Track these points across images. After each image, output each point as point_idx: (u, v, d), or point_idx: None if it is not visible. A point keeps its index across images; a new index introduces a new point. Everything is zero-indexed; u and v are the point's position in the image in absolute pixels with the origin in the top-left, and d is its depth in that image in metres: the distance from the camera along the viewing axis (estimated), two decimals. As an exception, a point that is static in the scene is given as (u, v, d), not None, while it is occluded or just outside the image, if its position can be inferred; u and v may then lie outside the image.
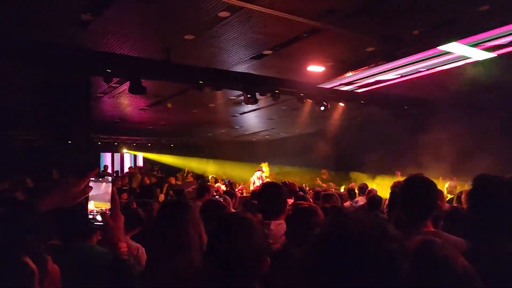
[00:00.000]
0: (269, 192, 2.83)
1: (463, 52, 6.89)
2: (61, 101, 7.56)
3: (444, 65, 7.37)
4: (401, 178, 8.11)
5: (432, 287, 1.09)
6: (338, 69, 7.85)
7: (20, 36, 6.05)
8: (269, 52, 7.04)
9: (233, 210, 4.18)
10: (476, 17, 5.72)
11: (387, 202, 4.46)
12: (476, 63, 7.30)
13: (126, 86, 8.09)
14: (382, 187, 8.63)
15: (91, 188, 1.27)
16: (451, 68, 7.44)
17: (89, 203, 1.30)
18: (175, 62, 7.16)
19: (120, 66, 7.12)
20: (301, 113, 11.20)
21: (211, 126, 14.85)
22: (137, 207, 5.21)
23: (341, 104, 10.33)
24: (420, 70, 7.60)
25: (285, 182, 4.39)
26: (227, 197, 4.76)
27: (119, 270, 1.26)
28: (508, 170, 4.54)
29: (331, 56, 7.32)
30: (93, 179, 1.30)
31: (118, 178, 11.89)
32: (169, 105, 10.50)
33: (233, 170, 15.52)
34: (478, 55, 7.07)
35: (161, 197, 10.53)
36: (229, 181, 13.22)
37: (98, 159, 16.48)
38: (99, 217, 1.31)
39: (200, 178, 14.02)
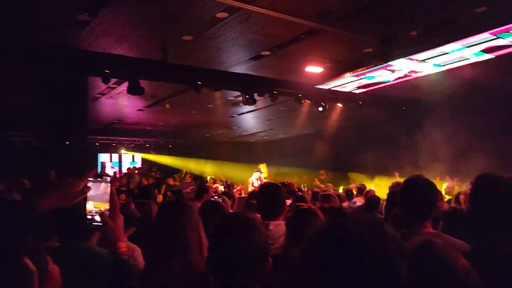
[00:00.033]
0: (267, 192, 2.83)
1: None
2: (59, 101, 7.54)
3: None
4: (399, 179, 8.16)
5: None
6: (336, 70, 7.86)
7: (18, 36, 6.03)
8: (267, 53, 7.05)
9: (231, 211, 4.18)
10: (473, 18, 5.74)
11: (385, 202, 4.46)
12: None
13: (124, 87, 8.07)
14: (381, 187, 8.66)
15: (89, 188, 1.27)
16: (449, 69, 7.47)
17: (88, 203, 1.29)
18: (173, 62, 7.16)
19: (118, 67, 7.10)
20: (299, 114, 11.22)
21: (209, 127, 14.84)
22: (134, 208, 5.20)
23: (339, 105, 10.35)
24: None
25: (283, 182, 4.39)
26: (226, 198, 4.76)
27: (119, 270, 1.26)
28: (505, 170, 4.57)
29: (329, 57, 7.33)
30: (91, 179, 1.30)
31: (116, 179, 11.87)
32: (167, 106, 10.49)
33: (231, 171, 15.52)
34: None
35: (159, 198, 10.53)
36: (226, 182, 13.22)
37: (96, 160, 16.46)
38: (97, 218, 1.30)
39: (198, 179, 14.02)
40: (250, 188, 11.13)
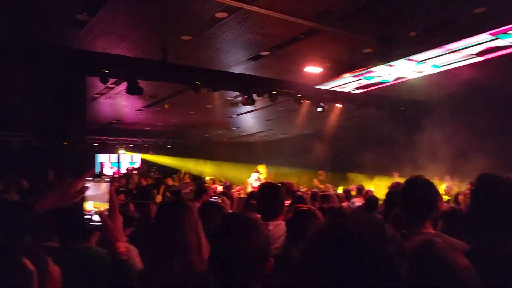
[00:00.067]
0: (266, 193, 2.83)
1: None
2: (57, 101, 7.52)
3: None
4: (398, 179, 8.16)
5: None
6: (336, 70, 7.86)
7: (16, 36, 6.02)
8: (267, 53, 7.05)
9: (230, 211, 4.18)
10: (472, 19, 5.75)
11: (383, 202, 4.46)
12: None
13: (123, 87, 8.07)
14: (380, 188, 8.66)
15: (87, 188, 1.27)
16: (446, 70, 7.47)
17: (88, 203, 1.29)
18: (172, 62, 7.15)
19: (117, 67, 7.10)
20: (298, 114, 11.22)
21: (208, 127, 14.84)
22: (134, 208, 5.20)
23: (338, 105, 10.35)
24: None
25: (282, 182, 4.39)
26: (225, 198, 4.76)
27: (118, 271, 1.26)
28: (505, 170, 4.58)
29: (328, 57, 7.33)
30: (91, 178, 1.30)
31: (115, 179, 11.86)
32: (166, 106, 10.48)
33: (230, 171, 15.52)
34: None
35: (158, 198, 10.51)
36: (226, 184, 13.22)
37: (94, 160, 16.43)
38: (95, 217, 1.30)
39: (197, 179, 14.01)
40: (249, 189, 11.13)
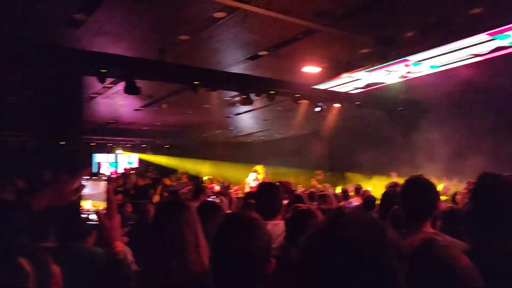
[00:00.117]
0: (265, 192, 2.82)
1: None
2: (54, 101, 7.50)
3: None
4: (396, 179, 8.18)
5: (432, 287, 1.08)
6: (334, 70, 7.87)
7: (13, 35, 5.99)
8: (265, 52, 7.04)
9: (229, 211, 4.16)
10: (469, 20, 5.76)
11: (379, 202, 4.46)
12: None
13: (120, 86, 8.04)
14: (378, 187, 8.67)
15: (83, 186, 1.26)
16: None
17: (86, 202, 1.28)
18: (170, 62, 7.14)
19: (115, 66, 7.07)
20: (296, 114, 11.22)
21: (206, 127, 14.83)
22: (131, 208, 5.18)
23: (336, 105, 10.36)
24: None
25: (280, 181, 4.37)
26: (223, 198, 4.75)
27: (115, 270, 1.25)
28: (502, 170, 4.58)
29: (326, 57, 7.34)
30: (88, 177, 1.29)
31: (113, 179, 11.83)
32: (164, 105, 10.46)
33: (228, 171, 15.50)
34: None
35: (156, 198, 10.48)
36: (224, 184, 13.20)
37: (91, 160, 16.37)
38: (92, 216, 1.29)
39: (195, 179, 13.97)
40: (247, 189, 11.11)
